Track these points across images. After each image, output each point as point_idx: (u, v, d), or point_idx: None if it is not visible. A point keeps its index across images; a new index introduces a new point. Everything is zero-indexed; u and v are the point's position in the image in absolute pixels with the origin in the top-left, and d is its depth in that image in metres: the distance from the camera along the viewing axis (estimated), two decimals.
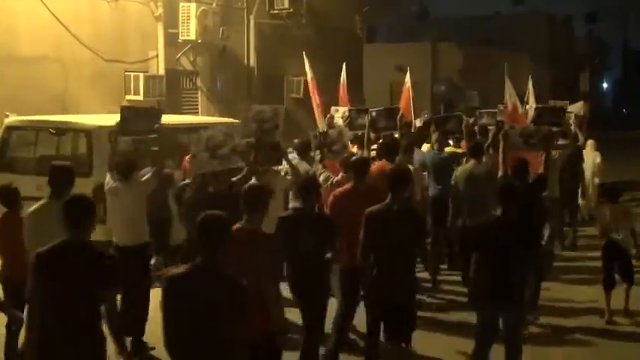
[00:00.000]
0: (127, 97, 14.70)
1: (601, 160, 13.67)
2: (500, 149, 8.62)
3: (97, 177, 9.57)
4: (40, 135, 10.41)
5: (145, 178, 7.37)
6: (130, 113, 7.76)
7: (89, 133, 9.85)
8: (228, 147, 7.38)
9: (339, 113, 10.92)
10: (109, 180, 7.35)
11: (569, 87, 39.50)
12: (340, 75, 12.88)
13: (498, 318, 6.03)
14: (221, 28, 16.60)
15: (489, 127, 11.56)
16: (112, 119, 11.14)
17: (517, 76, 38.03)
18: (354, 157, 7.55)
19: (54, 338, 4.30)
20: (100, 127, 9.87)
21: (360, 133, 9.78)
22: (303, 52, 12.17)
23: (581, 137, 12.30)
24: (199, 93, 16.94)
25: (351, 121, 10.18)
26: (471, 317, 6.54)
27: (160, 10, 15.50)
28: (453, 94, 28.14)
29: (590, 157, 13.40)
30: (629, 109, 57.87)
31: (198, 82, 16.90)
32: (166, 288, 4.21)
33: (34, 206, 6.10)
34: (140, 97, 14.67)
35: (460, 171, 9.25)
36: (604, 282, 8.52)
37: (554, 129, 9.74)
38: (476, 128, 11.79)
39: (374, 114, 10.14)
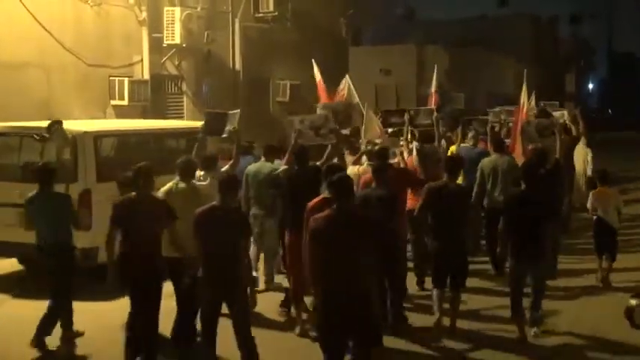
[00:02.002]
0: (112, 102, 14.68)
1: (592, 155, 14.55)
2: (519, 142, 10.80)
3: (82, 183, 9.56)
4: (24, 141, 10.36)
5: (223, 169, 8.38)
6: (211, 116, 9.01)
7: (74, 138, 9.81)
8: (327, 128, 9.13)
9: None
10: (199, 176, 8.09)
11: (555, 88, 39.73)
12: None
13: (525, 270, 7.62)
14: (206, 32, 16.60)
15: (494, 125, 12.98)
16: (96, 124, 11.18)
17: (503, 77, 38.29)
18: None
19: (214, 264, 6.30)
20: (85, 133, 9.85)
21: (392, 130, 11.22)
22: (313, 60, 12.41)
23: (574, 130, 13.35)
24: (185, 97, 16.92)
25: (384, 120, 11.66)
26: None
27: (144, 15, 15.48)
28: (439, 96, 28.19)
29: (581, 153, 14.22)
30: (614, 110, 58.28)
31: (184, 87, 16.89)
32: (314, 229, 5.63)
33: (165, 187, 7.57)
34: (125, 102, 14.64)
35: (486, 162, 10.78)
36: (596, 250, 10.13)
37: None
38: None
39: (412, 112, 11.65)
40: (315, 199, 7.19)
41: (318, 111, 9.29)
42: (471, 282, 8.69)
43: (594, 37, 62.09)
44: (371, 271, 5.69)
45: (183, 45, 15.93)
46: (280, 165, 8.91)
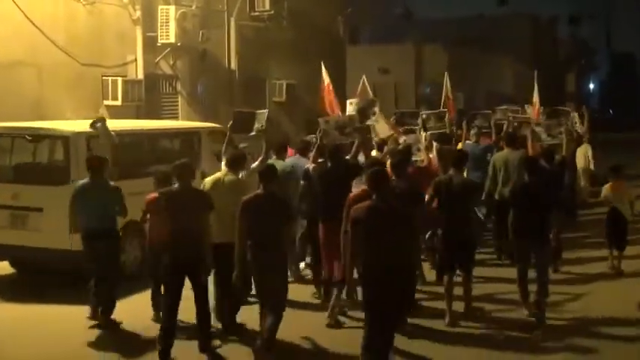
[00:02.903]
0: (105, 102, 14.60)
1: (592, 152, 15.32)
2: (529, 141, 11.54)
3: (75, 184, 9.48)
4: (16, 142, 10.31)
5: (252, 166, 8.83)
6: (240, 115, 9.44)
7: (66, 139, 9.76)
8: (352, 126, 9.68)
9: (353, 106, 11.38)
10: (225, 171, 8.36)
11: (555, 88, 39.77)
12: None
13: (529, 251, 8.56)
14: (201, 31, 16.54)
15: (502, 123, 13.45)
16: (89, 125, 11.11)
17: (502, 77, 38.26)
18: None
19: (259, 249, 7.04)
20: (78, 133, 9.80)
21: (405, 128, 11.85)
22: (321, 62, 12.46)
23: (580, 129, 14.43)
24: (179, 97, 16.87)
25: (398, 121, 12.38)
26: None
27: (138, 13, 15.42)
28: (437, 96, 28.21)
29: (582, 149, 14.94)
30: (615, 111, 58.34)
31: (178, 87, 16.83)
32: (365, 215, 6.38)
33: (212, 177, 8.21)
34: (118, 103, 14.58)
35: (498, 156, 11.38)
36: (607, 240, 10.85)
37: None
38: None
39: (424, 116, 12.41)
40: (356, 191, 7.99)
41: (321, 125, 9.76)
42: (475, 271, 9.16)
43: (593, 38, 62.24)
44: (406, 254, 6.51)
45: (178, 44, 15.86)
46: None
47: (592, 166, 14.95)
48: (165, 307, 7.32)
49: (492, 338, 8.06)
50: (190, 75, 17.01)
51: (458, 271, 8.67)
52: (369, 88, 12.49)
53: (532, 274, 8.70)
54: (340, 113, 11.52)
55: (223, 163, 8.58)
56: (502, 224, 10.49)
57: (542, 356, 7.60)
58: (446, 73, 15.63)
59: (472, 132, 12.66)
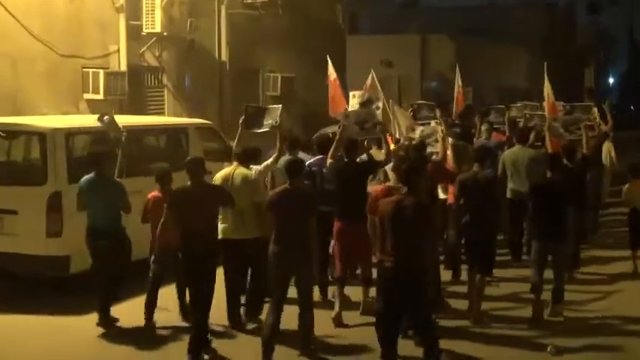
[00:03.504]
0: (85, 95, 14.62)
1: (614, 151, 15.57)
2: (547, 137, 11.88)
3: (51, 185, 9.52)
4: None
5: (265, 163, 9.18)
6: (251, 111, 9.80)
7: (43, 136, 9.78)
8: (372, 122, 10.00)
9: (356, 99, 11.68)
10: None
11: (572, 83, 39.82)
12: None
13: (547, 249, 8.96)
14: (189, 20, 16.55)
15: (518, 120, 14.08)
16: (68, 120, 11.13)
17: (514, 70, 38.25)
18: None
19: (285, 239, 7.65)
20: (56, 130, 9.82)
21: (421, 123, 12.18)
22: (327, 56, 12.58)
23: (603, 126, 14.60)
24: (165, 91, 16.89)
25: (414, 114, 12.87)
26: None
27: (122, 0, 15.45)
28: (444, 90, 28.26)
29: (605, 148, 15.18)
30: (636, 106, 58.33)
31: (164, 80, 16.85)
32: (392, 210, 7.05)
33: (223, 171, 8.77)
34: (100, 96, 14.59)
35: (508, 153, 11.84)
36: (630, 242, 11.24)
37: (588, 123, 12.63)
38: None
39: (415, 105, 12.82)
40: (378, 188, 8.57)
41: (342, 120, 10.09)
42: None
43: (614, 27, 62.26)
44: (430, 249, 7.30)
45: (165, 34, 15.88)
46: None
47: (613, 164, 15.39)
48: (196, 302, 7.75)
49: (512, 337, 8.52)
50: (177, 67, 17.04)
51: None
52: (378, 84, 12.51)
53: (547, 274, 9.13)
54: (346, 109, 11.51)
55: (234, 157, 9.00)
56: (514, 223, 11.44)
57: (565, 355, 7.98)
58: (457, 65, 15.88)
59: (483, 127, 13.07)
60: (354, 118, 10.08)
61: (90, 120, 11.81)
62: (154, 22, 15.63)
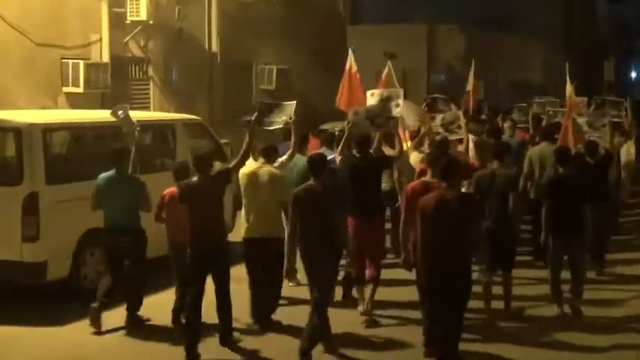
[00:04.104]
0: (65, 89, 14.64)
1: (634, 150, 15.95)
2: (569, 132, 12.24)
3: (28, 185, 9.53)
4: None
5: (280, 160, 9.58)
6: (264, 107, 10.05)
7: (19, 132, 9.79)
8: (384, 116, 10.32)
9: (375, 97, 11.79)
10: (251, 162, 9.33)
11: (591, 77, 39.84)
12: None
13: (564, 247, 9.56)
14: (177, 7, 16.58)
15: (542, 117, 14.81)
16: (46, 115, 11.15)
17: (529, 64, 38.23)
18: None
19: (312, 237, 8.12)
20: (32, 125, 9.83)
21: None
22: (350, 49, 13.04)
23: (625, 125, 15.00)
24: (151, 84, 16.91)
25: (428, 108, 13.32)
26: None
27: None
28: (453, 84, 28.29)
29: (626, 146, 15.48)
30: None
31: (150, 72, 16.88)
32: (435, 204, 7.54)
33: (244, 171, 9.19)
34: (80, 89, 14.61)
35: (534, 150, 12.42)
36: None
37: (615, 120, 13.26)
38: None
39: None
40: (414, 183, 8.90)
41: (350, 116, 10.43)
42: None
43: (637, 17, 62.30)
44: (472, 241, 7.76)
45: (150, 22, 15.90)
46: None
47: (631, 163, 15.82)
48: (191, 302, 8.31)
49: (535, 336, 9.00)
50: (164, 58, 17.06)
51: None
52: (394, 77, 13.13)
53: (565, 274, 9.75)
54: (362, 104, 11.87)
55: (254, 156, 9.39)
56: (538, 221, 11.62)
57: (589, 354, 8.51)
58: (472, 59, 16.39)
59: (506, 125, 13.83)
60: (364, 114, 10.44)
61: (69, 115, 11.86)
62: (138, 10, 15.65)
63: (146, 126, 12.18)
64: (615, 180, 13.76)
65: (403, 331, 9.11)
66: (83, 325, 8.98)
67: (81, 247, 9.95)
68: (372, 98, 11.39)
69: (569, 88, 13.90)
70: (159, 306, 9.41)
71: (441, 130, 11.45)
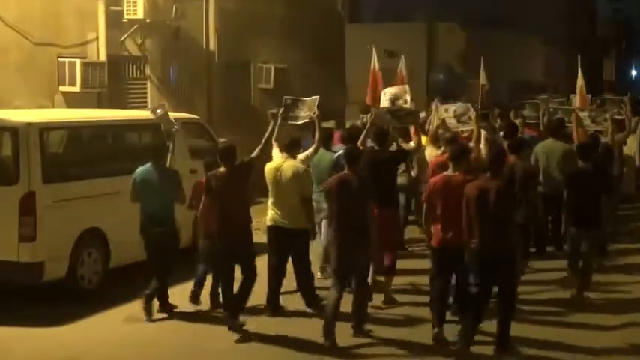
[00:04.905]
0: (61, 87, 14.63)
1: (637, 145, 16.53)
2: (574, 128, 12.92)
3: (24, 185, 9.53)
4: None
5: (305, 154, 10.02)
6: (291, 103, 10.49)
7: (16, 131, 9.78)
8: (404, 111, 11.04)
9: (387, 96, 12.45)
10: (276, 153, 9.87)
11: (591, 75, 39.86)
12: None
13: (581, 235, 10.15)
14: (174, 6, 16.56)
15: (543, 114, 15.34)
16: (43, 115, 11.15)
17: (530, 62, 38.17)
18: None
19: (346, 227, 8.64)
20: (29, 125, 9.82)
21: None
22: (372, 47, 13.77)
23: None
24: (148, 83, 16.91)
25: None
26: None
27: None
28: (452, 83, 28.33)
29: (628, 142, 15.91)
30: None
31: (147, 71, 16.87)
32: (477, 193, 8.15)
33: (270, 165, 9.69)
34: (77, 88, 14.59)
35: (540, 147, 12.71)
36: None
37: (617, 117, 13.91)
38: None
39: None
40: (436, 178, 9.14)
41: (373, 110, 11.19)
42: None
43: (637, 16, 62.35)
44: (515, 225, 8.50)
45: (148, 20, 15.88)
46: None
47: (637, 162, 16.43)
48: (224, 291, 9.04)
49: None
50: (161, 57, 17.06)
51: None
52: (404, 72, 13.75)
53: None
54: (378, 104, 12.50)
55: (277, 150, 9.84)
56: (547, 216, 12.20)
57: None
58: (482, 59, 16.73)
59: (517, 122, 14.20)
60: (386, 108, 11.13)
61: (66, 114, 11.85)
62: (136, 8, 15.64)
63: (143, 125, 12.21)
64: (617, 174, 14.10)
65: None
66: (81, 326, 9.01)
67: (78, 247, 9.96)
68: (384, 97, 12.00)
69: (580, 80, 14.71)
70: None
71: (453, 121, 11.78)
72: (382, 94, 12.26)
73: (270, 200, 9.78)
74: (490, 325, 8.46)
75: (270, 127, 9.69)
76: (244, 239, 8.98)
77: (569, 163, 11.77)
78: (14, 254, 9.46)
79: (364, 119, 10.86)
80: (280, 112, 10.31)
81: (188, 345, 8.69)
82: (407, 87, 11.91)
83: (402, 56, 14.27)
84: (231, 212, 8.86)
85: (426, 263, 9.77)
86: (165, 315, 9.48)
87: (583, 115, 13.33)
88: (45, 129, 9.96)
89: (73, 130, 10.77)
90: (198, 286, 9.83)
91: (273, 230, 9.72)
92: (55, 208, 9.71)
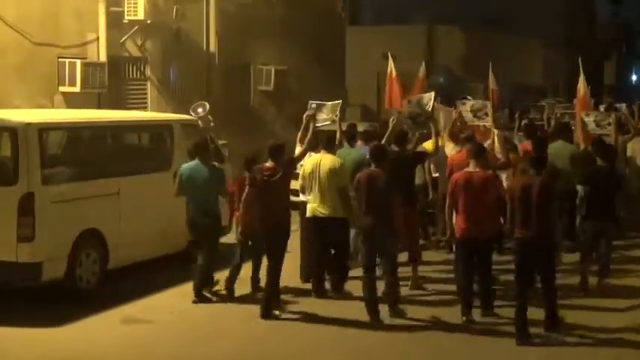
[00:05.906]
0: (61, 88, 14.65)
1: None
2: (579, 131, 13.73)
3: (23, 185, 9.53)
4: None
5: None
6: (317, 107, 11.06)
7: (15, 131, 9.77)
8: (424, 116, 11.54)
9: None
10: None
11: (591, 79, 39.85)
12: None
13: (597, 230, 10.79)
14: (175, 7, 16.60)
15: (549, 117, 16.18)
16: (42, 115, 11.15)
17: (529, 65, 38.16)
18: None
19: (373, 215, 9.37)
20: (28, 125, 9.80)
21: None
22: (389, 53, 14.36)
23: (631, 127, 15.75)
24: (148, 84, 16.93)
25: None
26: None
27: None
28: (452, 86, 28.33)
29: (631, 145, 15.93)
30: None
31: (147, 72, 16.89)
32: (521, 188, 8.94)
33: (309, 160, 10.32)
34: (76, 89, 14.62)
35: (551, 147, 12.69)
36: None
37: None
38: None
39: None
40: (458, 174, 9.62)
41: (394, 114, 11.64)
42: None
43: (638, 19, 62.36)
44: (555, 219, 9.33)
45: (148, 21, 15.92)
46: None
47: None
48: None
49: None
50: (162, 58, 17.08)
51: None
52: (424, 79, 14.24)
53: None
54: (402, 108, 12.73)
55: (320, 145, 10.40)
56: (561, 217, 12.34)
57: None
58: (490, 63, 17.14)
59: (523, 124, 14.55)
60: (407, 113, 11.69)
61: (66, 115, 11.84)
62: (136, 9, 15.67)
63: (143, 126, 12.23)
64: (621, 174, 14.26)
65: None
66: (79, 326, 8.99)
67: (77, 248, 9.96)
68: (408, 105, 12.28)
69: (582, 83, 14.81)
70: (154, 307, 9.42)
71: (469, 114, 12.26)
72: (407, 102, 12.56)
73: (309, 195, 10.29)
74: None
75: (309, 131, 10.30)
76: (281, 231, 9.58)
77: (577, 163, 12.27)
78: (13, 255, 9.44)
79: (393, 120, 11.45)
80: (306, 115, 10.86)
81: (187, 346, 8.67)
82: (433, 94, 12.25)
83: (423, 62, 14.88)
84: (272, 204, 9.50)
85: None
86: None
87: (588, 120, 13.73)
88: (44, 129, 9.95)
89: (72, 130, 10.76)
90: (236, 272, 10.34)
91: (313, 221, 10.29)
92: (54, 209, 9.70)
